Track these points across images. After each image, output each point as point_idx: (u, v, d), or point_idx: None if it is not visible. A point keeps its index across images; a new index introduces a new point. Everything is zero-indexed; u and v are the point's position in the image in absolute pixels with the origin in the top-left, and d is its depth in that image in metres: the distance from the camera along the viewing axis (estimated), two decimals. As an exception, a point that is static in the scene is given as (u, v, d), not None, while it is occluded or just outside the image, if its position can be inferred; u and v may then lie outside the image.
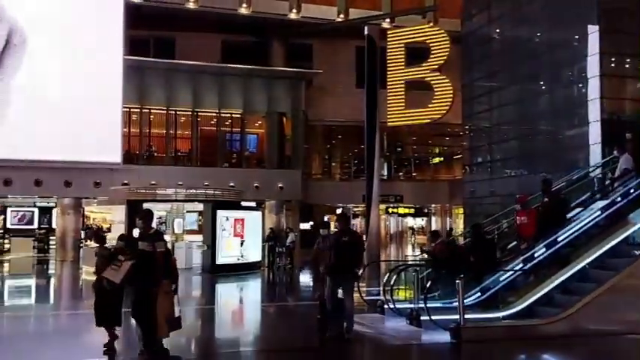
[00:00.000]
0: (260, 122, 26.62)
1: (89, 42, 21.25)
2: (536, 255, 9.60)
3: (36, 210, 26.93)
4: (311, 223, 25.95)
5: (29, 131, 20.27)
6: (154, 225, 7.48)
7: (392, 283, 10.33)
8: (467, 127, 23.16)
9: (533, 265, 9.63)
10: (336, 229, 9.01)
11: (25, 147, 20.23)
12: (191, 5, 24.16)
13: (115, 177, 21.48)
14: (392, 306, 9.89)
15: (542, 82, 18.60)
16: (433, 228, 29.48)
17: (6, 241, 25.67)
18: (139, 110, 23.73)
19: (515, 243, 10.81)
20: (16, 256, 23.95)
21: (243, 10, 24.85)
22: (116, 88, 21.68)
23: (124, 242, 7.85)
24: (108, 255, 7.49)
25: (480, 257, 9.71)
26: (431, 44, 17.58)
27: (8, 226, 26.33)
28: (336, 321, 8.23)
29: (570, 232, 9.84)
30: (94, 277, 7.58)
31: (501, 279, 9.79)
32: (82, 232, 23.60)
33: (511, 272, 9.78)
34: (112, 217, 23.46)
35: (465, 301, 8.35)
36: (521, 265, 9.84)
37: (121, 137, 21.99)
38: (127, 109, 22.93)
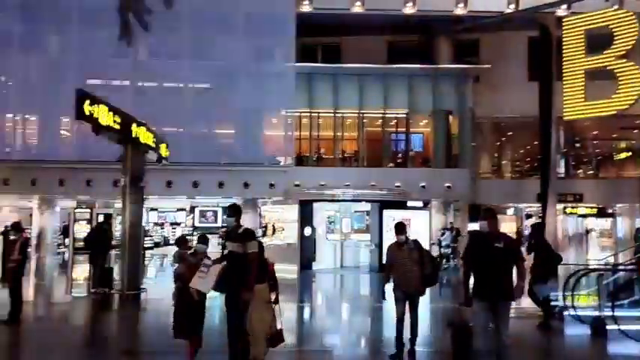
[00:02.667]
0: (425, 121, 26.31)
1: (265, 51, 22.77)
2: None
3: (219, 209, 29.41)
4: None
5: (213, 136, 22.31)
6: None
7: (572, 288, 9.60)
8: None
9: None
10: (476, 231, 6.91)
11: (209, 152, 22.23)
12: (357, 9, 24.71)
13: (288, 178, 22.69)
14: (572, 313, 9.19)
15: None
16: (619, 229, 26.85)
17: (194, 237, 28.40)
18: (308, 114, 24.80)
19: None
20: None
21: (408, 10, 24.81)
22: (288, 93, 22.93)
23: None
24: (195, 262, 6.53)
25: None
26: (615, 29, 16.04)
27: (196, 224, 29.09)
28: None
29: None
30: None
31: None
32: (260, 230, 25.26)
33: None
34: (285, 216, 24.82)
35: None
36: None
37: (293, 140, 23.14)
38: (298, 114, 24.11)
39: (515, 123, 26.23)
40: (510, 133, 28.24)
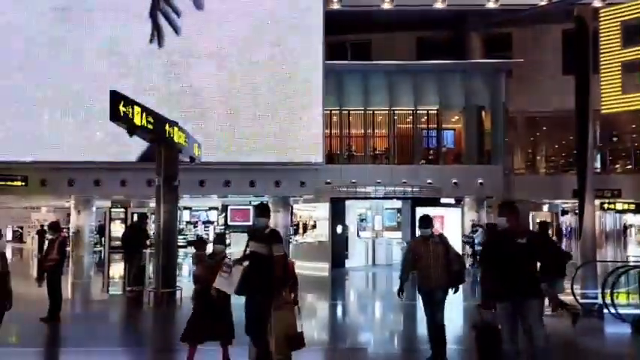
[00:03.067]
0: (457, 117, 26.03)
1: (293, 50, 22.80)
2: None
3: (251, 208, 29.59)
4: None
5: (243, 136, 22.45)
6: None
7: (612, 285, 9.37)
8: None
9: None
10: (497, 227, 6.31)
11: (241, 151, 22.40)
12: (386, 6, 24.59)
13: (319, 176, 22.71)
14: (612, 311, 8.96)
15: None
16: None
17: (227, 236, 28.65)
18: (338, 112, 24.76)
19: None
20: (236, 249, 26.59)
21: (439, 5, 24.58)
22: (318, 92, 22.92)
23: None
24: (214, 263, 6.31)
25: None
26: (653, 19, 15.59)
27: (229, 222, 29.32)
28: None
29: None
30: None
31: None
32: (291, 229, 25.34)
33: None
34: (317, 215, 24.83)
35: None
36: None
37: (323, 138, 23.15)
38: (328, 112, 24.09)
39: (550, 117, 25.78)
40: (545, 127, 27.73)
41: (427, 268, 6.60)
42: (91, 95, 21.13)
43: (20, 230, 38.13)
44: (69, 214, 26.09)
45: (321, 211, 22.18)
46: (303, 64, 22.92)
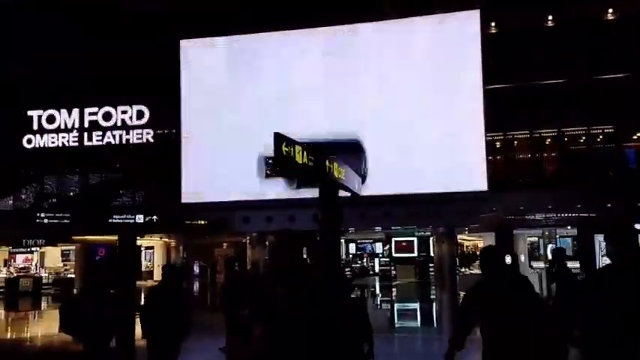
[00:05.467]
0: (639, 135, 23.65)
1: (451, 77, 22.52)
2: None
3: (415, 239, 29.40)
4: None
5: (403, 167, 22.49)
6: None
7: None
8: None
9: None
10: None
11: (401, 182, 22.42)
12: (549, 23, 23.43)
13: (483, 204, 21.90)
14: None
15: None
16: None
17: (392, 268, 28.69)
18: (501, 137, 23.84)
19: None
20: (401, 281, 26.50)
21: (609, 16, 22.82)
22: (478, 117, 22.28)
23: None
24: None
25: None
26: None
27: (393, 254, 29.40)
28: None
29: None
30: None
31: None
32: (457, 259, 24.67)
33: None
34: (483, 244, 23.92)
35: None
36: None
37: (487, 165, 22.37)
38: (490, 137, 23.28)
39: None
40: None
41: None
42: (254, 137, 22.65)
43: (204, 264, 41.71)
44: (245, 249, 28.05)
45: (487, 241, 21.35)
46: (462, 89, 22.49)
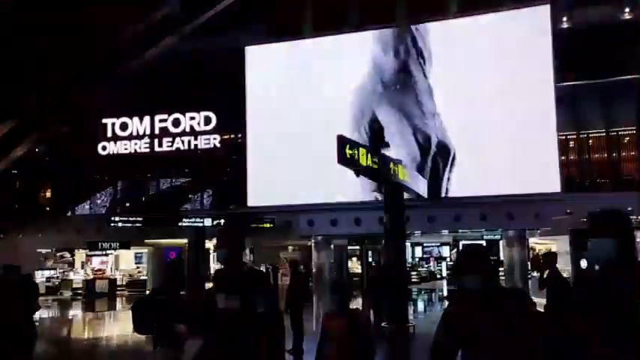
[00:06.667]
0: None
1: (522, 75, 21.81)
2: None
3: (484, 242, 28.57)
4: None
5: (473, 168, 21.94)
6: None
7: None
8: None
9: None
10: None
11: (470, 184, 21.89)
12: (626, 16, 22.26)
13: (556, 207, 21.02)
14: None
15: None
16: None
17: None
18: (575, 136, 22.85)
19: None
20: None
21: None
22: (549, 116, 21.48)
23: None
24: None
25: None
26: None
27: (461, 258, 28.67)
28: None
29: None
30: None
31: None
32: (529, 264, 23.80)
33: None
34: (556, 248, 22.95)
35: None
36: None
37: (560, 166, 21.50)
38: (563, 137, 22.36)
39: None
40: None
41: None
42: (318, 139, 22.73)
43: (269, 267, 42.13)
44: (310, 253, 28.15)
45: (561, 245, 20.47)
46: (533, 88, 21.73)
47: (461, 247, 3.69)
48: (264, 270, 37.45)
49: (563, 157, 22.08)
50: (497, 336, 2.84)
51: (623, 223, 2.84)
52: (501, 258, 25.40)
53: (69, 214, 29.06)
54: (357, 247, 27.31)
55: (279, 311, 5.92)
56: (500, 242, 25.42)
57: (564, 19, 22.96)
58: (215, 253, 34.94)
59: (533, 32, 21.94)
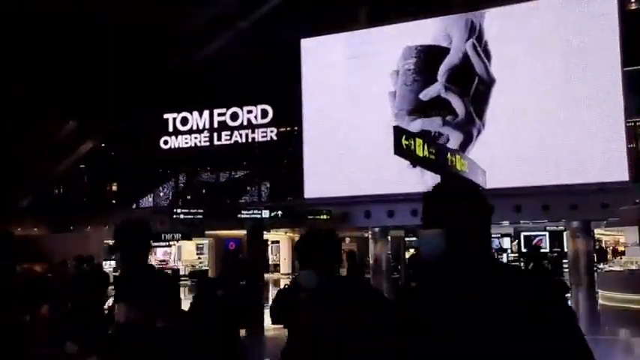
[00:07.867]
0: None
1: (587, 59, 20.98)
2: None
3: (546, 234, 27.75)
4: None
5: (533, 157, 21.28)
6: None
7: None
8: None
9: None
10: None
11: (531, 173, 21.23)
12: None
13: (624, 196, 20.13)
14: None
15: None
16: None
17: (520, 264, 27.27)
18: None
19: None
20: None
21: None
22: (617, 102, 20.58)
23: None
24: None
25: None
26: None
27: (522, 249, 27.97)
28: None
29: None
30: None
31: None
32: (595, 256, 22.95)
33: None
34: (625, 240, 22.05)
35: None
36: None
37: (627, 154, 20.58)
38: (632, 123, 21.37)
39: None
40: None
41: None
42: (373, 130, 22.56)
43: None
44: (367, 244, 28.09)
45: (630, 236, 19.62)
46: (598, 73, 20.86)
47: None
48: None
49: (631, 145, 21.08)
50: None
51: None
52: (565, 250, 24.61)
53: (133, 206, 30.11)
54: (414, 239, 27.04)
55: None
56: (564, 233, 24.62)
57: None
58: (271, 245, 35.50)
59: (599, 14, 21.02)
